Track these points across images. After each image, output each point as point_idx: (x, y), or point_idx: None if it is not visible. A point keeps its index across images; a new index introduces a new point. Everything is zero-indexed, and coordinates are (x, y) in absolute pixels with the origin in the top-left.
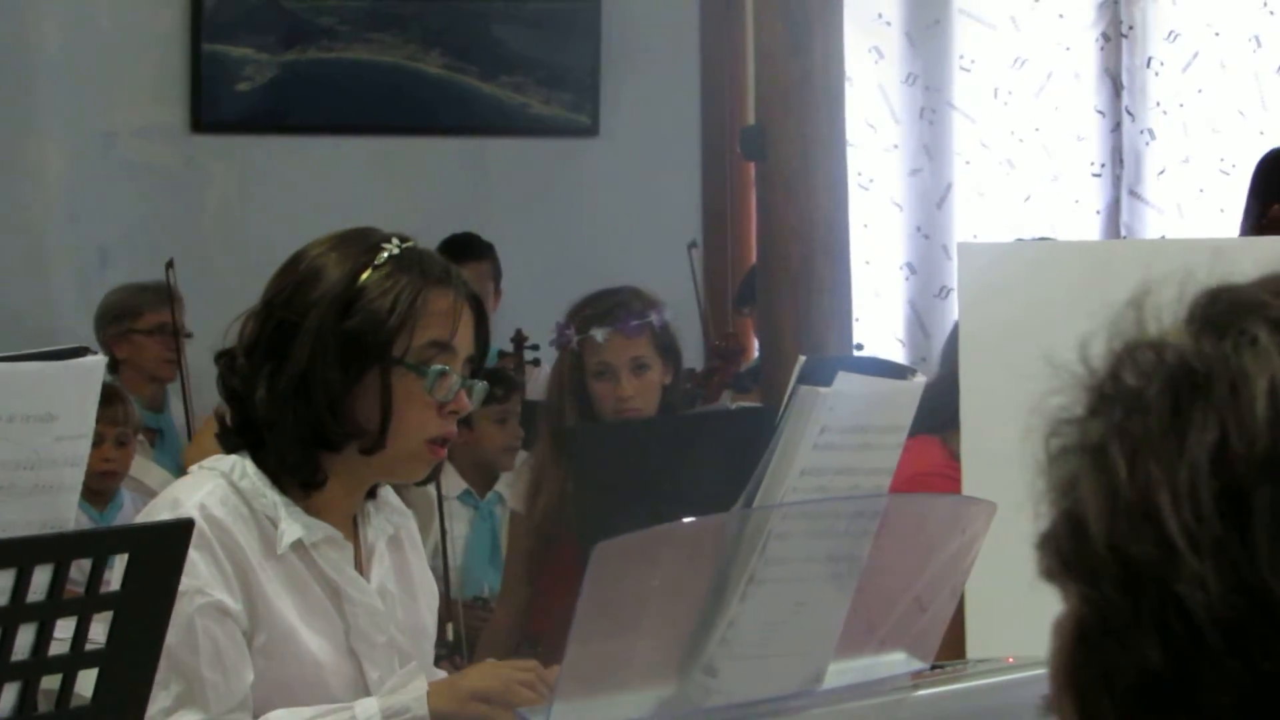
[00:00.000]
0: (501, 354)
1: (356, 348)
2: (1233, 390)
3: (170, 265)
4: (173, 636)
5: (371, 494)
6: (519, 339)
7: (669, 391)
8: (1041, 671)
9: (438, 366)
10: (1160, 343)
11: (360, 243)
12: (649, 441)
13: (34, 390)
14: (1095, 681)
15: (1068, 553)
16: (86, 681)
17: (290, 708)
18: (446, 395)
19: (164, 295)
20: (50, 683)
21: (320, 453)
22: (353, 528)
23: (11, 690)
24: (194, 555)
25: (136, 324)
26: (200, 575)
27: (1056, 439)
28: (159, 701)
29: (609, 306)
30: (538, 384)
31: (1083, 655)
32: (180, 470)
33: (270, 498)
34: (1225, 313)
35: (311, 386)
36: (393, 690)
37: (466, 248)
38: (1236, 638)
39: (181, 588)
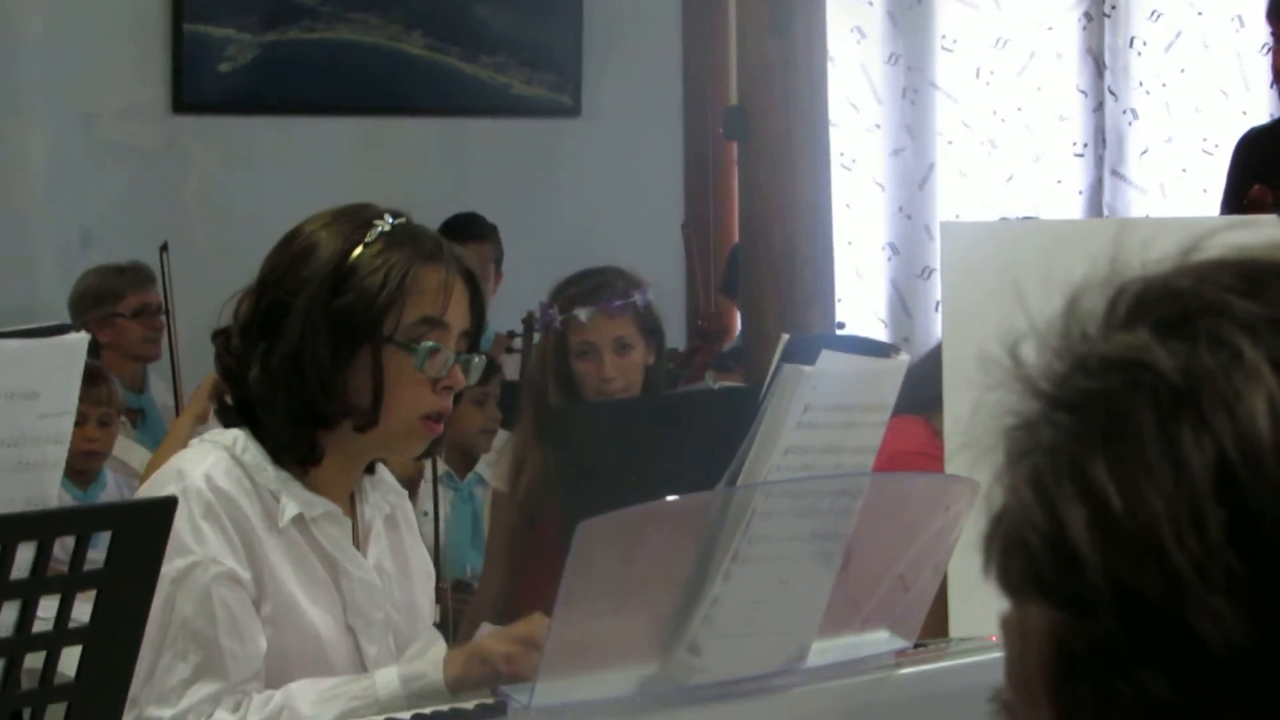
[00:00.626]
0: (511, 334)
1: (347, 326)
2: (1228, 411)
3: (165, 249)
4: (189, 608)
5: (370, 469)
6: (529, 320)
7: (652, 372)
8: None
9: (428, 344)
10: (1114, 346)
11: (353, 219)
12: (632, 422)
13: (17, 367)
14: (1088, 708)
15: (1050, 577)
16: (69, 660)
17: (309, 679)
18: (438, 372)
19: (142, 276)
20: (34, 661)
21: (315, 430)
22: (350, 505)
23: None
24: (203, 525)
25: (118, 307)
26: (211, 545)
27: (1011, 444)
28: (177, 673)
29: (592, 286)
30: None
31: (1069, 679)
32: None
33: (270, 472)
34: (1185, 315)
35: (303, 365)
36: (412, 658)
37: (468, 228)
38: (1255, 668)
39: (194, 559)
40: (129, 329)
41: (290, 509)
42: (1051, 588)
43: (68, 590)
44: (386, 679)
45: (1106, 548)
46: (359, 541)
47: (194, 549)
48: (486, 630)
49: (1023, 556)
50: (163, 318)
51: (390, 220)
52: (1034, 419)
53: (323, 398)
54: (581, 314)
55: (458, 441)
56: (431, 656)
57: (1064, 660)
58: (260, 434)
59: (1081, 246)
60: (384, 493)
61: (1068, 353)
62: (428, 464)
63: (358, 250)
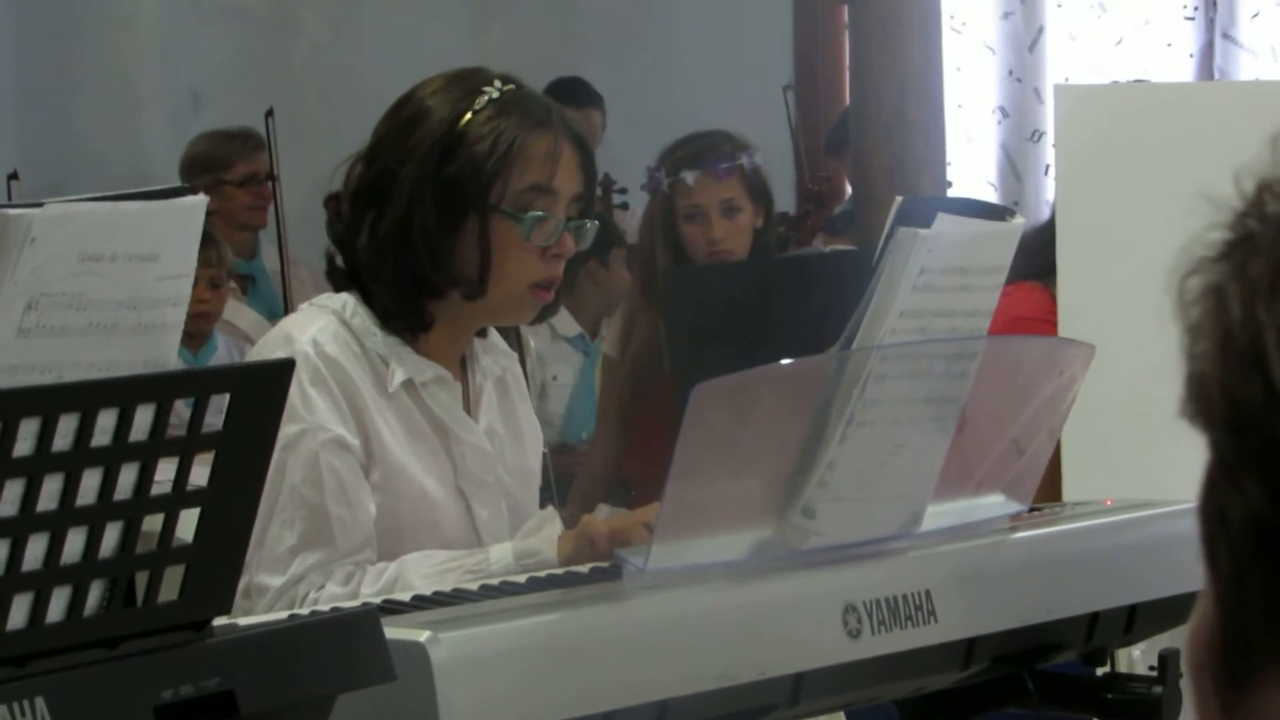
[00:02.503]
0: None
1: (454, 194)
2: None
3: (270, 114)
4: (297, 474)
5: (482, 333)
6: (606, 183)
7: (760, 235)
8: (1139, 514)
9: (536, 212)
10: None
11: (463, 86)
12: (741, 285)
13: (136, 229)
14: (1214, 520)
15: (1196, 398)
16: (187, 524)
17: (423, 551)
18: (547, 240)
19: (251, 143)
20: (152, 524)
21: (424, 298)
22: (460, 369)
23: (114, 530)
24: (311, 392)
25: (226, 175)
26: (319, 411)
27: (1193, 279)
28: (285, 541)
29: (699, 149)
30: (630, 228)
31: (1206, 495)
32: (272, 316)
33: (380, 337)
34: None
35: (411, 234)
36: (526, 535)
37: (576, 94)
38: None
39: (302, 425)
40: (236, 196)
41: (400, 374)
42: (1196, 408)
43: (186, 452)
44: (500, 554)
45: (1223, 360)
46: (469, 406)
47: (303, 415)
48: (604, 513)
49: (1194, 383)
50: (270, 185)
51: (500, 86)
52: (1213, 260)
53: (430, 267)
54: (688, 177)
55: (609, 302)
56: (546, 534)
57: (1208, 479)
58: (370, 299)
59: (1197, 110)
60: (495, 356)
61: (1255, 198)
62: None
63: (466, 117)
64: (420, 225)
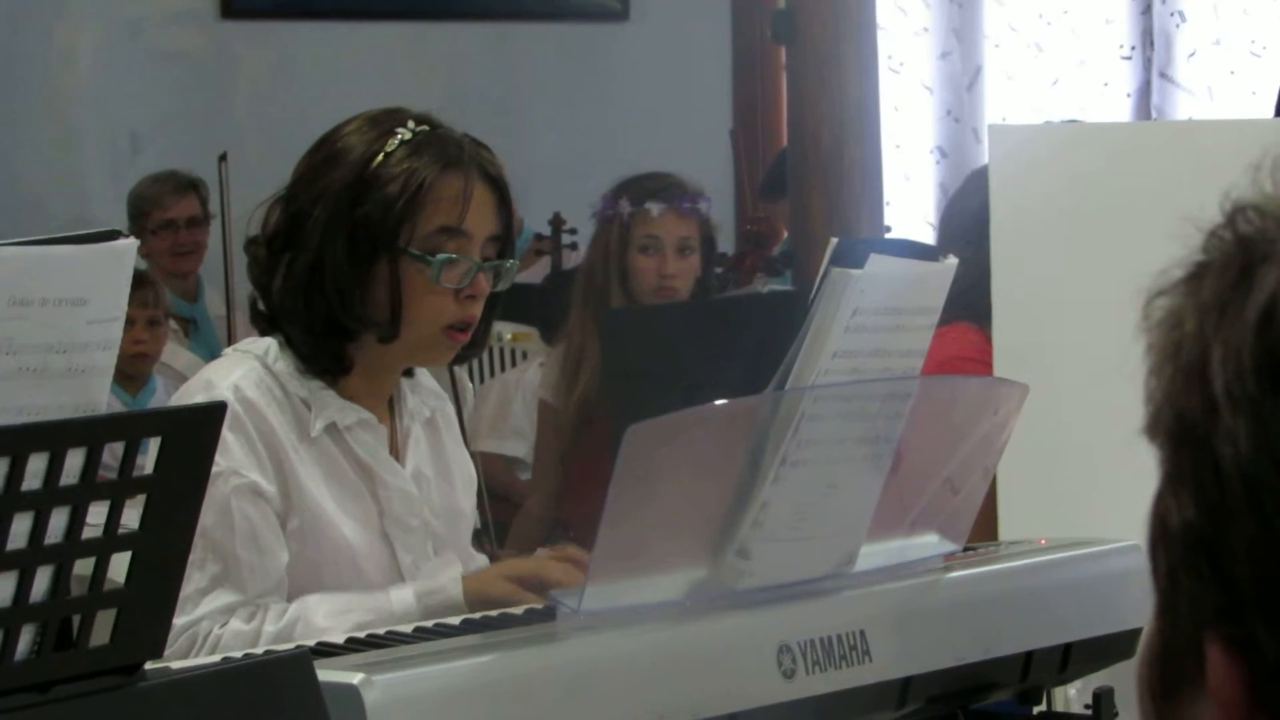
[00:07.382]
0: (539, 237)
1: (365, 237)
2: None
3: (223, 158)
4: (208, 518)
5: (409, 373)
6: (557, 222)
7: (699, 283)
8: (1074, 554)
9: (444, 255)
10: (1260, 209)
11: (379, 126)
12: (678, 325)
13: (66, 273)
14: (1156, 531)
15: (1150, 414)
16: (119, 567)
17: (326, 593)
18: (458, 283)
19: (169, 189)
20: (83, 567)
21: (339, 341)
22: (388, 411)
23: (45, 574)
24: (228, 437)
25: (145, 223)
26: (234, 457)
27: (1159, 300)
28: (194, 582)
29: (664, 184)
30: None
31: (1153, 508)
32: (212, 359)
33: (303, 381)
34: None
35: (323, 277)
36: (428, 576)
37: None
38: (1257, 500)
39: (216, 469)
40: (152, 243)
41: (323, 418)
42: (1148, 422)
43: (117, 496)
44: (401, 595)
45: (1170, 372)
46: (396, 448)
47: (217, 460)
48: (541, 554)
49: (1147, 399)
50: (196, 231)
51: (414, 127)
52: (1177, 282)
53: (342, 310)
54: (654, 208)
55: None
56: (449, 573)
57: (1156, 494)
58: (290, 342)
59: (1132, 149)
60: (424, 397)
61: (1223, 222)
62: None
63: (378, 159)
64: (331, 268)
